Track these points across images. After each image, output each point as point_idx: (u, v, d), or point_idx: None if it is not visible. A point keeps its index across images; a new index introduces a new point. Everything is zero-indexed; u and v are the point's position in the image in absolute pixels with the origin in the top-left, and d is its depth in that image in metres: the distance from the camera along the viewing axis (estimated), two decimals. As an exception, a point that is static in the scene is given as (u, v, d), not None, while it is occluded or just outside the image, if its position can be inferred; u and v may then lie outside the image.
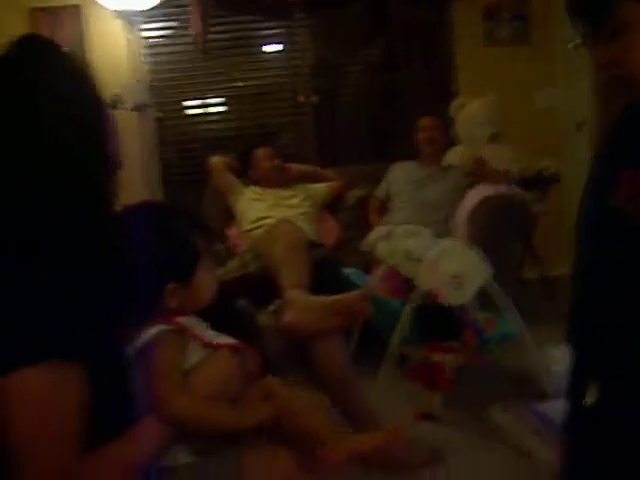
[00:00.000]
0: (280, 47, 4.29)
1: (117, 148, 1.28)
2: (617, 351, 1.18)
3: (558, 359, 2.60)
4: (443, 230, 3.42)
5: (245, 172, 3.66)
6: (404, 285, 2.75)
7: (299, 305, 2.00)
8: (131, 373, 1.19)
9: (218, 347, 1.30)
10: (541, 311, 3.80)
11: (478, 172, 3.52)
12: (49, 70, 1.10)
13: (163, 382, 1.19)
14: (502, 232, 3.39)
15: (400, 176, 3.66)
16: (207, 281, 1.37)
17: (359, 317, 2.04)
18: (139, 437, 1.16)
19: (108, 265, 1.14)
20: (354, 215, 3.83)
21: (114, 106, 3.69)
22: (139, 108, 3.68)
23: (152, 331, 1.24)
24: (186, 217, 1.44)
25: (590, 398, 1.19)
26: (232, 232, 3.64)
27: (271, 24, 4.21)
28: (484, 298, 2.59)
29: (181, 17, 4.00)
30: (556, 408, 2.41)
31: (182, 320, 1.30)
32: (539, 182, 3.92)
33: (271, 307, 2.03)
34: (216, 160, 3.69)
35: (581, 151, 4.60)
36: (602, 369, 1.21)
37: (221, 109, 4.34)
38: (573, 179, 4.47)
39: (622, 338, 1.18)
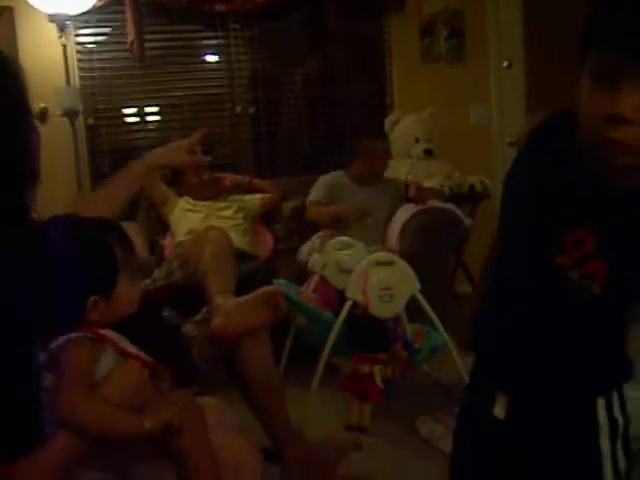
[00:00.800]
0: (217, 57, 4.27)
1: (38, 158, 1.26)
2: (534, 373, 1.20)
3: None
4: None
5: (176, 183, 3.63)
6: (336, 297, 2.76)
7: (226, 308, 1.99)
8: (40, 384, 1.16)
9: (131, 357, 1.28)
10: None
11: (419, 198, 3.57)
12: None
13: (69, 385, 1.17)
14: (434, 245, 3.45)
15: (343, 198, 3.62)
16: (128, 293, 1.36)
17: (280, 308, 2.05)
18: (49, 451, 1.14)
19: (25, 280, 1.12)
20: (290, 226, 3.83)
21: (43, 113, 3.61)
22: (69, 114, 3.60)
23: (64, 337, 1.22)
24: (105, 228, 1.42)
25: (499, 411, 1.21)
26: (167, 242, 3.59)
27: (209, 34, 4.19)
28: (413, 310, 2.62)
29: (116, 24, 3.94)
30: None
31: (101, 330, 1.28)
32: (470, 198, 4.00)
33: (198, 316, 2.01)
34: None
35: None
36: (514, 384, 1.22)
37: (158, 118, 4.28)
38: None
39: (542, 362, 1.19)
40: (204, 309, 2.04)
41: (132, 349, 1.29)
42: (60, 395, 1.16)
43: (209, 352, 1.97)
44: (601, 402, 1.18)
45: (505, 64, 4.66)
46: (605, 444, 1.18)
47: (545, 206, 1.12)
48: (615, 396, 1.20)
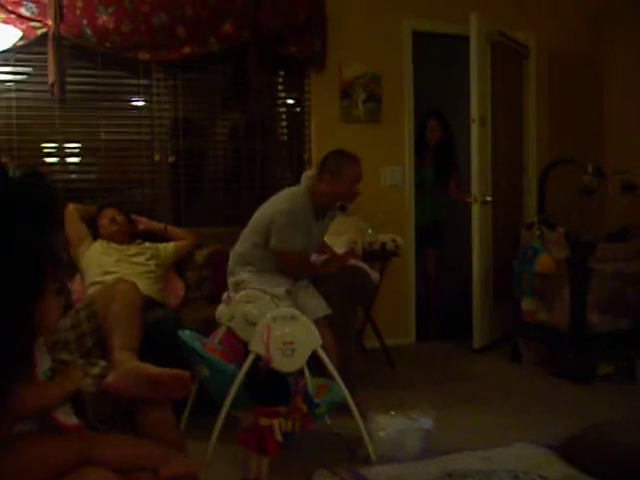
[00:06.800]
0: (139, 104, 4.29)
1: None
2: None
3: (384, 425, 2.72)
4: None
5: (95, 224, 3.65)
6: (243, 349, 2.77)
7: (124, 368, 1.97)
8: None
9: None
10: (381, 378, 3.97)
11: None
12: None
13: None
14: (345, 301, 3.54)
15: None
16: (53, 307, 1.42)
17: (178, 396, 2.02)
18: None
19: None
20: (202, 274, 3.85)
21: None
22: (-20, 152, 3.54)
23: None
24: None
25: None
26: (75, 286, 3.55)
27: (132, 81, 4.21)
28: (317, 364, 2.67)
29: (37, 64, 3.91)
30: (378, 473, 2.51)
31: None
32: (382, 255, 4.13)
33: (95, 370, 1.98)
34: (73, 208, 3.62)
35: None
36: None
37: (77, 160, 4.24)
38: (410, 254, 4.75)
39: None
40: (102, 362, 2.01)
41: None
42: None
43: (104, 409, 1.93)
44: None
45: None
46: None
47: None
48: None
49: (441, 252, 5.09)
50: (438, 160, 4.94)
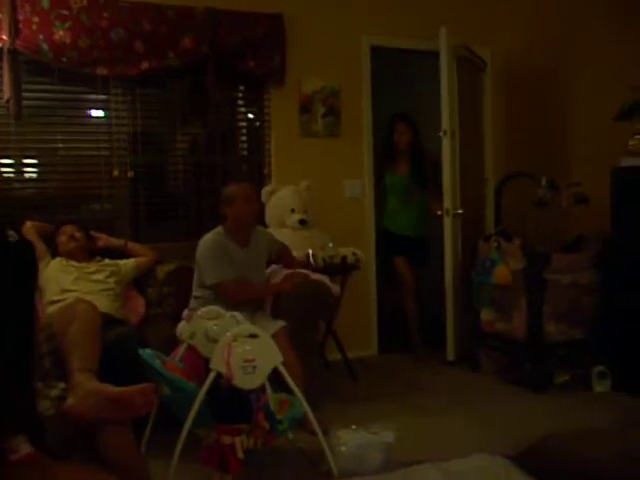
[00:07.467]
0: (98, 119, 4.25)
1: None
2: None
3: (345, 440, 2.74)
4: None
5: (53, 242, 3.61)
6: (204, 366, 2.77)
7: (83, 390, 1.96)
8: None
9: None
10: (343, 391, 3.99)
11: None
12: None
13: None
14: (306, 315, 3.56)
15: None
16: None
17: (142, 411, 2.01)
18: None
19: None
20: (163, 291, 3.82)
21: None
22: None
23: None
24: None
25: None
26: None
27: (90, 96, 4.18)
28: (278, 380, 2.68)
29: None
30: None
31: None
32: (342, 269, 4.15)
33: (55, 392, 1.96)
34: (29, 225, 3.58)
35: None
36: None
37: (34, 175, 4.18)
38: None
39: None
40: (62, 384, 2.00)
41: None
42: None
43: (65, 431, 1.91)
44: None
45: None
46: None
47: None
48: None
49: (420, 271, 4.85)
50: (413, 165, 4.76)
